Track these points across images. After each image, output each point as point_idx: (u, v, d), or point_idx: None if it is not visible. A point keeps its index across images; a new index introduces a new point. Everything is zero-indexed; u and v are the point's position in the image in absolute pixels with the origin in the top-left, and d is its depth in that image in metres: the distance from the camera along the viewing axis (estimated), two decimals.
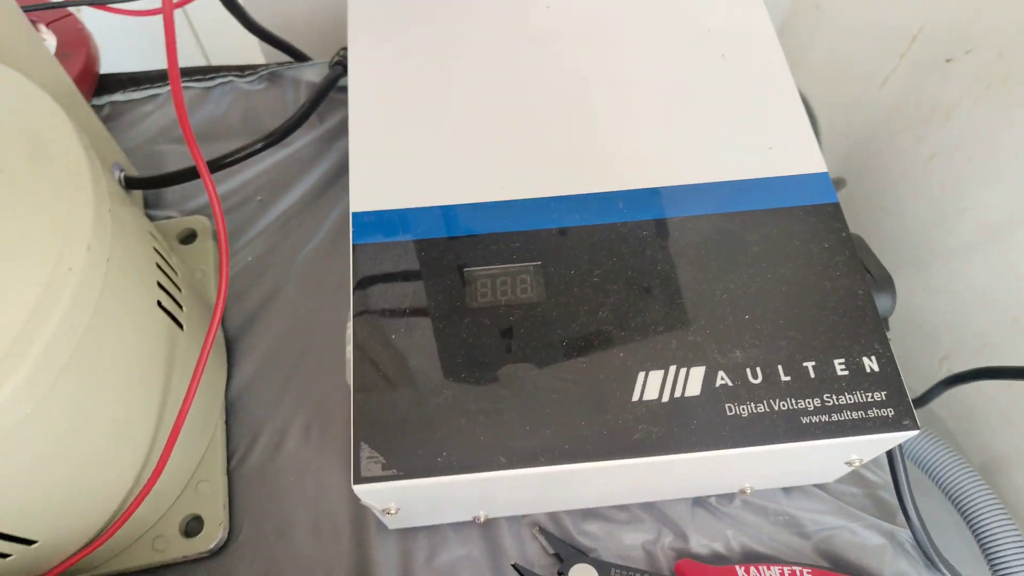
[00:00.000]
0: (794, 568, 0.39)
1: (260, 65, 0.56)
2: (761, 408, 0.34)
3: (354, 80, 0.43)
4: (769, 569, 0.39)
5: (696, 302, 0.36)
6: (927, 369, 0.58)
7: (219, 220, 0.35)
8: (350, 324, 0.39)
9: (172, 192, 0.51)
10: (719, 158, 0.40)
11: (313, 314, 0.48)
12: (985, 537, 0.45)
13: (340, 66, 0.51)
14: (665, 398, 0.34)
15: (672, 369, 0.35)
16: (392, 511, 0.36)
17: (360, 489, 0.32)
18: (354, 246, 0.37)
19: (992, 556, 0.43)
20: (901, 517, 0.42)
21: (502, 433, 0.33)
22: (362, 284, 0.36)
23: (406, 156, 0.40)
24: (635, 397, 0.34)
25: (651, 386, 0.34)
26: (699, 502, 0.42)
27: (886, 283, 0.38)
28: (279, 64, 0.57)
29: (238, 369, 0.45)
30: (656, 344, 0.35)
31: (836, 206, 0.38)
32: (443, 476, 0.32)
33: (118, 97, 0.55)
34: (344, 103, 0.55)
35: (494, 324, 0.36)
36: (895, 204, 0.62)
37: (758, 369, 0.34)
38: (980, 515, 0.45)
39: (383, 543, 0.41)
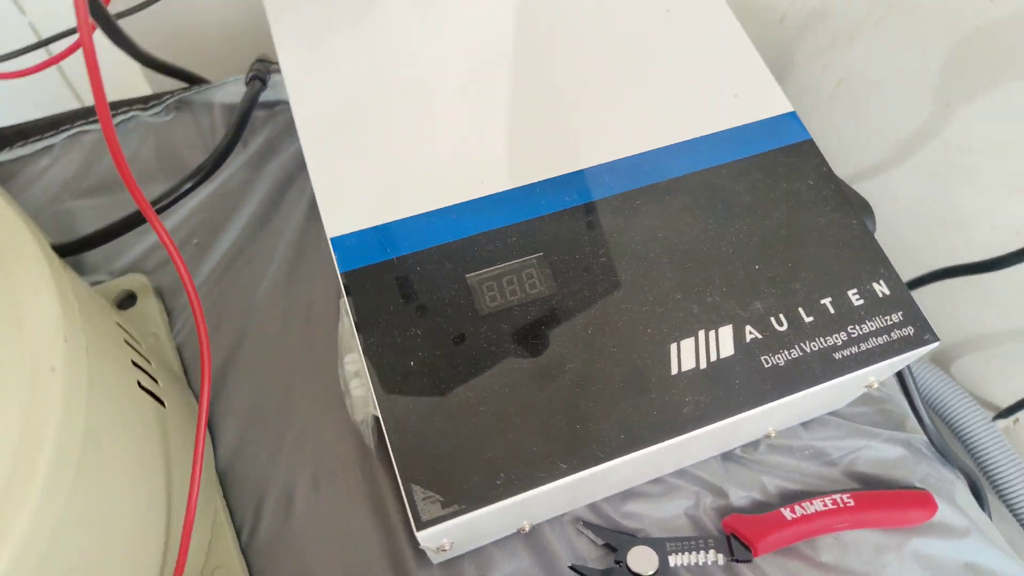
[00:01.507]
0: (834, 496, 0.40)
1: (164, 93, 0.50)
2: (795, 353, 0.34)
3: (295, 95, 0.39)
4: (812, 503, 0.40)
5: (705, 262, 0.36)
6: None
7: (183, 273, 0.31)
8: (347, 358, 0.36)
9: (93, 254, 0.45)
10: (689, 114, 0.39)
11: (288, 355, 0.44)
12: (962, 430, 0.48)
13: (258, 81, 0.47)
14: (703, 364, 0.33)
15: (701, 334, 0.34)
16: (447, 547, 0.33)
17: (424, 534, 0.30)
18: (342, 275, 0.34)
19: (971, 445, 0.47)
20: (909, 423, 0.44)
21: (553, 438, 0.32)
22: (362, 315, 0.33)
23: (372, 167, 0.37)
24: (674, 371, 0.33)
25: (686, 355, 0.34)
26: (727, 456, 0.42)
27: (865, 208, 0.39)
28: (184, 89, 0.51)
29: (222, 435, 0.41)
30: (679, 312, 0.34)
31: (811, 142, 0.39)
32: (507, 499, 0.30)
33: (4, 156, 0.48)
34: (265, 121, 0.51)
35: (512, 326, 0.34)
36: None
37: (781, 316, 0.35)
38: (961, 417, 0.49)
39: None
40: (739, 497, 0.41)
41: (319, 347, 0.44)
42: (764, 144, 0.39)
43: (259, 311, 0.45)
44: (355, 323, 0.33)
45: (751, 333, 0.34)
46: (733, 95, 0.40)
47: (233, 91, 0.51)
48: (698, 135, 0.39)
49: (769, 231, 0.36)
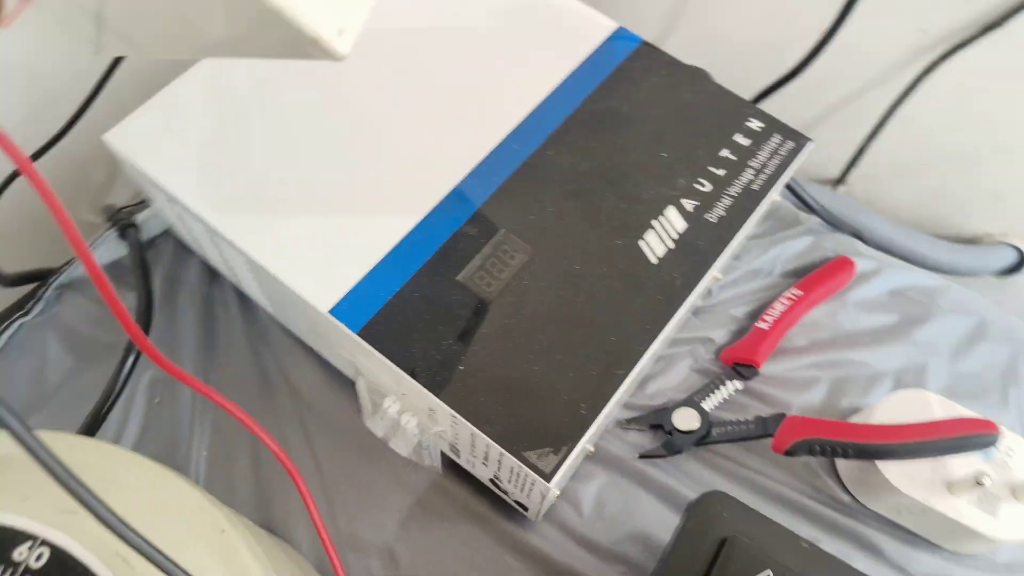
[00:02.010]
0: (786, 295, 0.48)
1: (34, 289, 0.46)
2: (727, 200, 0.41)
3: (219, 220, 0.39)
4: (773, 308, 0.48)
5: (626, 171, 0.42)
6: None
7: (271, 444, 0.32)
8: (385, 403, 0.39)
9: None
10: (544, 69, 0.44)
11: (306, 441, 0.45)
12: None
13: (132, 228, 0.45)
14: (671, 244, 0.40)
15: (655, 223, 0.40)
16: (558, 493, 0.38)
17: (554, 482, 0.34)
18: (358, 334, 0.36)
19: None
20: (801, 217, 0.54)
21: (599, 357, 0.37)
22: (397, 355, 0.36)
23: (322, 241, 0.39)
24: (653, 260, 0.39)
25: (654, 244, 0.40)
26: (695, 312, 0.50)
27: (704, 73, 0.47)
28: (49, 276, 0.47)
29: (301, 543, 0.42)
30: (630, 216, 0.40)
31: (646, 43, 0.46)
32: (596, 419, 0.35)
33: None
34: (151, 262, 0.49)
35: (520, 293, 0.38)
36: None
37: (701, 180, 0.42)
38: None
39: (542, 538, 0.42)
40: (721, 336, 0.49)
41: (331, 420, 0.45)
42: (613, 61, 0.45)
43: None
44: (397, 365, 0.36)
45: (688, 204, 0.41)
46: (563, 35, 0.45)
47: (106, 252, 0.48)
48: (562, 79, 0.44)
49: (656, 124, 0.43)
